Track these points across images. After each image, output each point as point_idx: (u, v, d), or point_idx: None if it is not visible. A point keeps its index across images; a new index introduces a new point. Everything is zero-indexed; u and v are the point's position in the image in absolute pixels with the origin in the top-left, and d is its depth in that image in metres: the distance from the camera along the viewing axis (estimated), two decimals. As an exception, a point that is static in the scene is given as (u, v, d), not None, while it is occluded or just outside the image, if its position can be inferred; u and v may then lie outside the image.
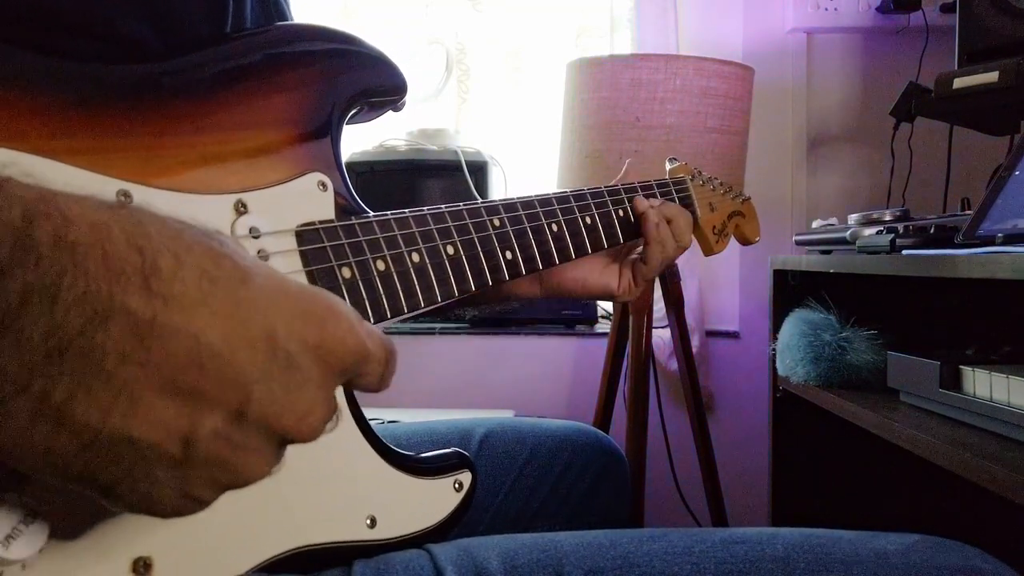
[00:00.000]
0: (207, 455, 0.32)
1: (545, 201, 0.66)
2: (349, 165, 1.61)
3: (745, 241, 0.91)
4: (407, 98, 0.58)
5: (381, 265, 0.52)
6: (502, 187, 1.77)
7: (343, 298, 0.49)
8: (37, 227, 0.28)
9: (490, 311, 0.79)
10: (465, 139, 1.74)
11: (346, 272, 0.50)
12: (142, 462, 0.31)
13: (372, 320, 0.50)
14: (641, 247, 0.76)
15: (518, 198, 0.64)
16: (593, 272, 0.77)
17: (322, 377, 0.34)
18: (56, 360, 0.28)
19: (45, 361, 0.28)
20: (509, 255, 0.62)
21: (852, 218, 1.20)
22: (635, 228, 0.75)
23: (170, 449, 0.31)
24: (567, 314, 1.86)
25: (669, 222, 0.75)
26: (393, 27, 1.93)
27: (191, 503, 0.33)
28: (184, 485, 0.32)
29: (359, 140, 1.69)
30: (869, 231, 1.10)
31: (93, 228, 0.29)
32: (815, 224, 1.37)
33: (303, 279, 0.48)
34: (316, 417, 0.34)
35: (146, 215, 0.32)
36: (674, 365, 1.75)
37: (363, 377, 0.37)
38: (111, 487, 0.31)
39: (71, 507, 0.37)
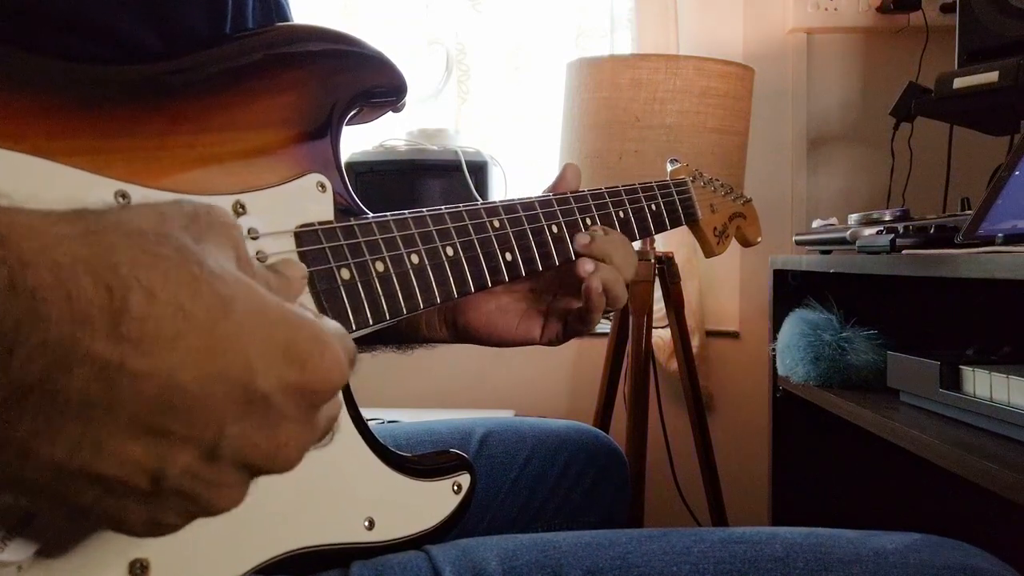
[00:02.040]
0: (177, 489, 0.31)
1: (545, 202, 0.66)
2: (349, 165, 1.62)
3: (746, 243, 0.90)
4: (406, 99, 0.58)
5: (380, 266, 0.52)
6: (502, 187, 1.77)
7: (342, 300, 0.49)
8: None
9: (403, 349, 0.73)
10: (465, 139, 1.74)
11: (345, 273, 0.50)
12: (110, 495, 0.30)
13: (371, 321, 0.50)
14: (576, 301, 0.68)
15: (518, 199, 0.64)
16: (509, 321, 0.69)
17: (300, 414, 0.33)
18: (16, 404, 0.27)
19: (4, 405, 0.27)
20: (509, 256, 0.62)
21: (852, 218, 1.20)
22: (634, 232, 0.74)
23: (139, 484, 0.30)
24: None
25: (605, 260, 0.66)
26: (393, 27, 1.93)
27: (163, 528, 0.32)
28: (154, 515, 0.31)
29: (359, 140, 1.69)
30: (869, 231, 1.10)
31: (55, 269, 0.27)
32: (815, 224, 1.36)
33: (301, 280, 0.48)
34: (291, 449, 0.33)
35: (121, 236, 0.29)
36: (674, 365, 1.75)
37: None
38: (82, 512, 0.31)
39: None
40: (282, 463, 0.33)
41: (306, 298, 0.48)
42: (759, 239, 0.92)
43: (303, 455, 0.34)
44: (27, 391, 0.27)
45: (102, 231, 0.29)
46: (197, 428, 0.30)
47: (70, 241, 0.28)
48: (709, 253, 0.85)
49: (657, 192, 0.76)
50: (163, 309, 0.29)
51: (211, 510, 0.33)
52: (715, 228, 0.84)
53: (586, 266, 0.65)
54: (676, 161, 0.84)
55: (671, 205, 0.78)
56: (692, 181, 0.81)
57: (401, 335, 0.71)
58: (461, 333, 0.70)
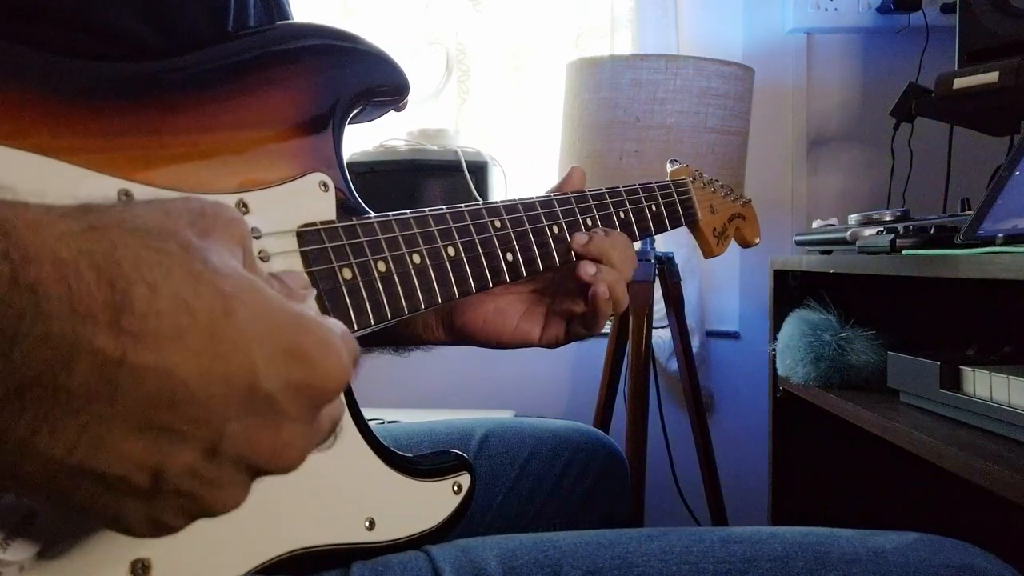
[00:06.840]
0: (177, 488, 0.31)
1: (546, 203, 0.66)
2: (349, 165, 1.60)
3: (745, 243, 0.91)
4: (409, 98, 0.58)
5: (382, 266, 0.52)
6: (502, 187, 1.77)
7: (344, 300, 0.49)
8: None
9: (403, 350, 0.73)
10: (465, 139, 1.74)
11: (347, 273, 0.50)
12: (109, 492, 0.30)
13: (372, 321, 0.50)
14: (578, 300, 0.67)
15: (519, 199, 0.64)
16: (508, 321, 0.68)
17: (303, 414, 0.32)
18: (16, 399, 0.27)
19: (4, 400, 0.27)
20: (510, 257, 0.62)
21: (852, 218, 1.20)
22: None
23: (138, 482, 0.30)
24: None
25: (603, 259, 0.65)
26: (393, 27, 1.93)
27: (163, 528, 0.32)
28: (154, 514, 0.31)
29: (359, 140, 1.69)
30: (869, 231, 1.10)
31: (57, 264, 0.27)
32: (815, 224, 1.37)
33: (303, 280, 0.48)
34: (294, 449, 0.33)
35: (124, 233, 0.29)
36: (674, 365, 1.75)
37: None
38: (82, 509, 0.31)
39: (71, 508, 0.37)
40: (284, 464, 0.33)
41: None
42: (758, 240, 0.92)
43: (305, 456, 0.34)
44: (28, 386, 0.27)
45: (105, 227, 0.29)
46: (198, 425, 0.30)
47: (74, 236, 0.28)
48: (708, 254, 0.85)
49: (657, 193, 0.76)
50: (166, 303, 0.29)
51: (211, 510, 0.32)
52: (714, 229, 0.84)
53: (588, 269, 0.64)
54: (676, 162, 0.84)
55: (671, 206, 0.78)
56: (692, 182, 0.81)
57: (398, 337, 0.71)
58: (458, 334, 0.69)
